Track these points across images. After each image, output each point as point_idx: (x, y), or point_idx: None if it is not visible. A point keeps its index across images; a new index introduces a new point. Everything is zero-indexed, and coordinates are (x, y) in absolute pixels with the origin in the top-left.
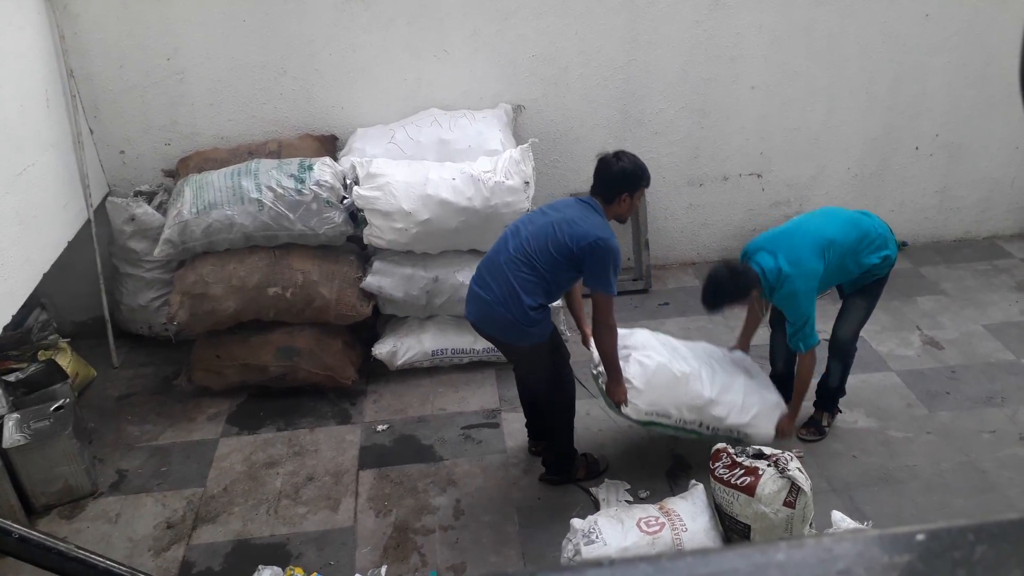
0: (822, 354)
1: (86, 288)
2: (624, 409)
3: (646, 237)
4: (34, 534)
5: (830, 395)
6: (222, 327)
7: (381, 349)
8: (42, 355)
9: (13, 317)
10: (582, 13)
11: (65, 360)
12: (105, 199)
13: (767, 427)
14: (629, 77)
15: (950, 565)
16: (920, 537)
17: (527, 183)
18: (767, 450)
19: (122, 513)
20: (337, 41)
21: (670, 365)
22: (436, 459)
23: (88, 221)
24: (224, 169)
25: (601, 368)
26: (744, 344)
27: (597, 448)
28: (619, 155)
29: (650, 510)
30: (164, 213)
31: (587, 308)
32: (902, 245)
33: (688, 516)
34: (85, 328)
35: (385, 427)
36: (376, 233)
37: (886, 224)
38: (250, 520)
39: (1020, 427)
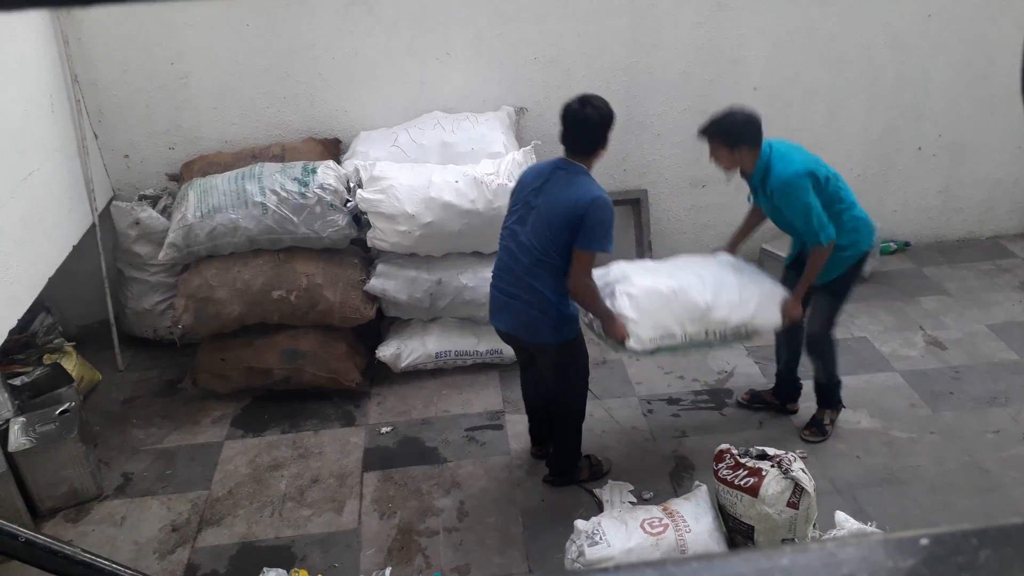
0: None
1: (91, 292)
2: (629, 344)
3: (649, 239)
4: (40, 537)
5: (826, 391)
6: (227, 330)
7: (385, 351)
8: (47, 359)
9: (19, 321)
10: (584, 16)
11: (70, 364)
12: (110, 203)
13: (772, 315)
14: (631, 79)
15: (954, 570)
16: (924, 542)
17: None
18: (771, 451)
19: (127, 516)
20: (340, 45)
21: (657, 285)
22: (440, 461)
23: (93, 225)
24: (228, 173)
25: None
26: (729, 249)
27: (601, 450)
28: (585, 101)
29: (654, 511)
30: (168, 217)
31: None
32: (905, 245)
33: (692, 517)
34: (90, 332)
35: (389, 429)
36: (380, 236)
37: (866, 215)
38: (255, 523)
39: None
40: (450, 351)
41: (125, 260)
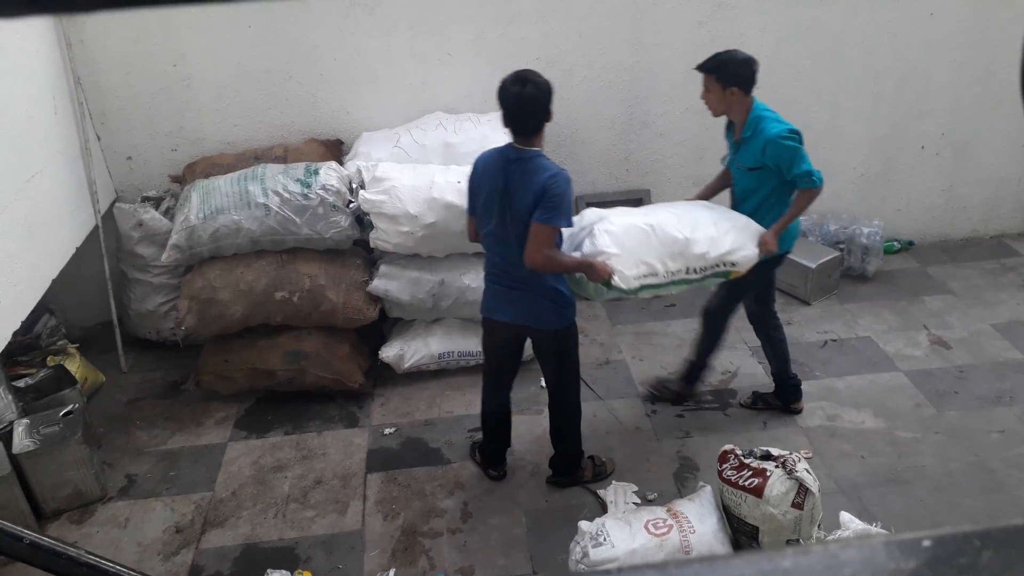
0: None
1: (94, 294)
2: (615, 282)
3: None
4: (44, 539)
5: (693, 365)
6: (230, 331)
7: (388, 352)
8: (51, 361)
9: (22, 323)
10: (585, 15)
11: (74, 365)
12: (113, 205)
13: (750, 249)
14: (633, 79)
15: (956, 571)
16: (926, 543)
17: None
18: (775, 451)
19: (131, 518)
20: (342, 46)
21: (635, 222)
22: (443, 462)
23: (96, 227)
24: (231, 174)
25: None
26: (701, 196)
27: (605, 451)
28: (522, 80)
29: (658, 512)
30: (171, 219)
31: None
32: (909, 244)
33: (696, 518)
34: (93, 334)
35: (392, 430)
36: (382, 237)
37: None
38: (259, 524)
39: None
40: (453, 352)
41: (128, 262)
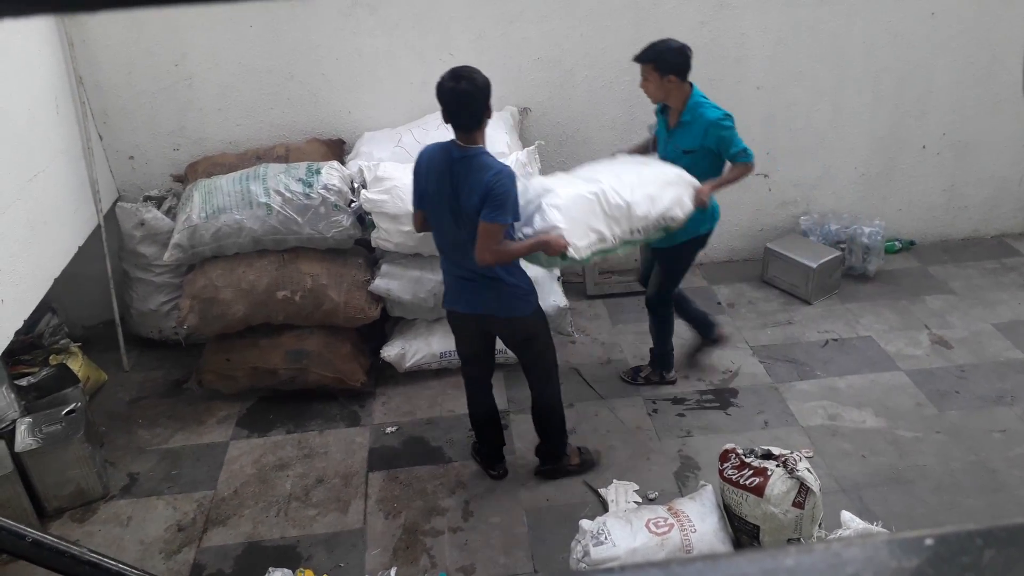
0: None
1: (97, 293)
2: (570, 253)
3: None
4: (47, 537)
5: (656, 353)
6: (232, 331)
7: (390, 351)
8: (53, 360)
9: (25, 322)
10: (587, 15)
11: (76, 364)
12: (115, 204)
13: (685, 202)
14: (635, 78)
15: (959, 570)
16: (929, 542)
17: None
18: (776, 450)
19: (133, 516)
20: (343, 46)
21: (580, 192)
22: (445, 461)
23: (98, 226)
24: (233, 174)
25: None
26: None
27: (606, 450)
28: (457, 76)
29: (659, 511)
30: (173, 218)
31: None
32: (910, 244)
33: (697, 517)
34: (96, 332)
35: (394, 429)
36: (384, 236)
37: (717, 203)
38: (260, 522)
39: None
40: (454, 351)
41: (130, 261)
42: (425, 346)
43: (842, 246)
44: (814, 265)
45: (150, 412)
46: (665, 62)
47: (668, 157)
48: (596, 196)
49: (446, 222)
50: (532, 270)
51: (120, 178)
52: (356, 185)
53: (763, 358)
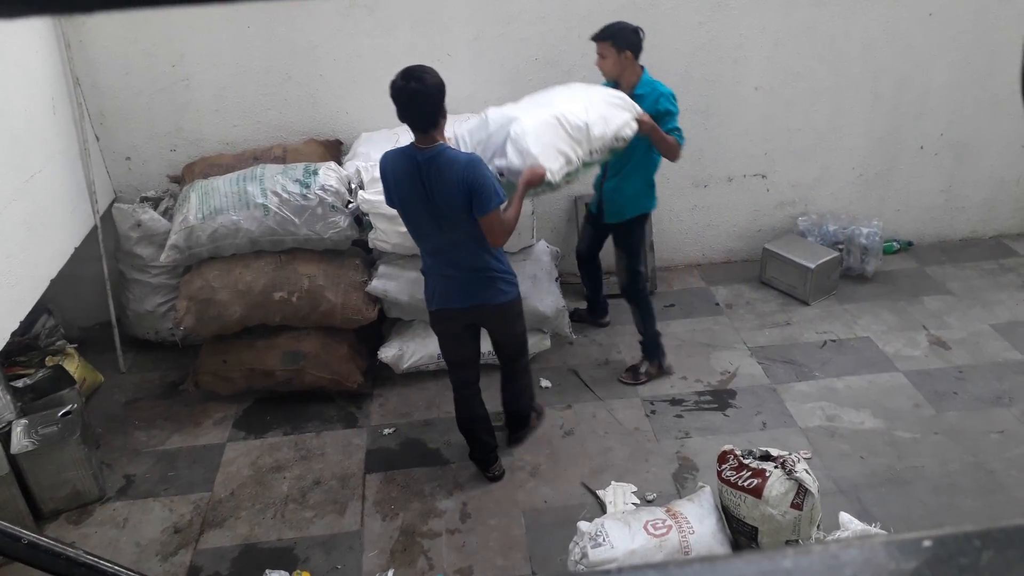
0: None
1: (93, 294)
2: (548, 178)
3: (651, 239)
4: (43, 539)
5: (645, 342)
6: (228, 332)
7: (387, 353)
8: (49, 361)
9: (21, 323)
10: (584, 16)
11: (72, 366)
12: (111, 205)
13: (632, 123)
14: None
15: (957, 571)
16: (926, 543)
17: None
18: (774, 452)
19: (129, 518)
20: (341, 46)
21: (542, 117)
22: (442, 462)
23: (95, 227)
24: (230, 175)
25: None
26: None
27: (604, 451)
28: (408, 76)
29: (657, 512)
30: (170, 219)
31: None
32: (908, 245)
33: (695, 518)
34: (92, 334)
35: (391, 430)
36: (381, 237)
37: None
38: (257, 524)
39: None
40: None
41: (127, 262)
42: (422, 347)
43: (840, 247)
44: (812, 266)
45: (146, 414)
46: (623, 39)
47: None
48: (557, 119)
49: (426, 226)
50: (533, 270)
51: (117, 179)
52: (353, 186)
53: (761, 359)
